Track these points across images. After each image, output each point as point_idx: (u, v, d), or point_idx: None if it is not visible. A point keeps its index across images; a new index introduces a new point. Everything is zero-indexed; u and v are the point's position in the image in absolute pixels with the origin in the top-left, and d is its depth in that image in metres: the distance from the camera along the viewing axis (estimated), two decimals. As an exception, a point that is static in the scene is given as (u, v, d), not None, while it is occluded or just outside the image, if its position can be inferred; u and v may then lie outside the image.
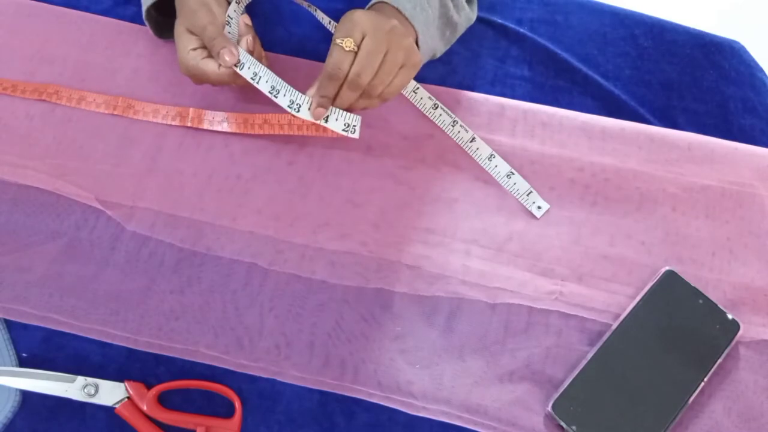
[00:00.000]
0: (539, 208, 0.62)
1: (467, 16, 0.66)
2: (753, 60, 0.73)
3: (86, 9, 0.71)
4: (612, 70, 0.71)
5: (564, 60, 0.71)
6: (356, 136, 0.55)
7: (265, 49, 0.63)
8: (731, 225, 0.61)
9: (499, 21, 0.73)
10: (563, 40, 0.73)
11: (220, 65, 0.56)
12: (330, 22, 0.66)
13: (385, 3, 0.58)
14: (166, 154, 0.64)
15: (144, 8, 0.63)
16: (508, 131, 0.65)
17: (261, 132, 0.61)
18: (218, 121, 0.63)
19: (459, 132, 0.64)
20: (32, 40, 0.69)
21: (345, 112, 0.54)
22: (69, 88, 0.66)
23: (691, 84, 0.71)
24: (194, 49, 0.56)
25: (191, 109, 0.64)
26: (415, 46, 0.55)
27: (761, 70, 0.73)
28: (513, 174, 0.63)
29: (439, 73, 0.68)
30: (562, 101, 0.69)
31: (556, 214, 0.62)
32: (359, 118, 0.55)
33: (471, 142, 0.64)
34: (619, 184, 0.63)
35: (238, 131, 0.63)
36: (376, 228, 0.60)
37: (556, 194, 0.63)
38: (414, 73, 0.57)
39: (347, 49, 0.51)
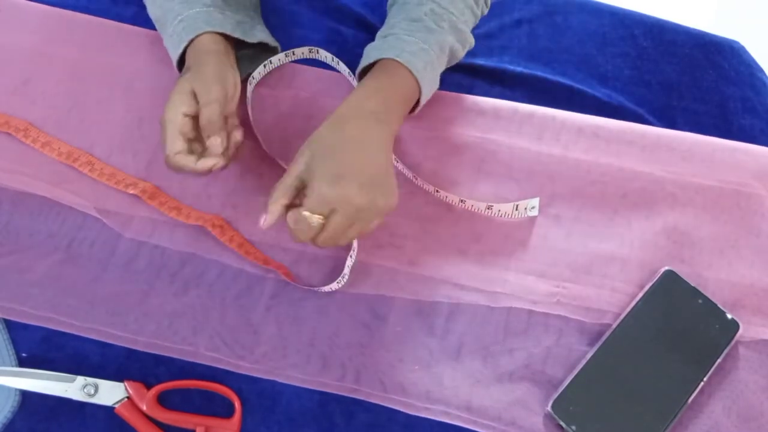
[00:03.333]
0: (532, 208, 0.61)
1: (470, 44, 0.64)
2: (753, 60, 0.73)
3: (86, 9, 0.71)
4: (611, 71, 0.71)
5: (564, 54, 0.71)
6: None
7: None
8: (731, 225, 0.61)
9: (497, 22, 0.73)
10: (563, 40, 0.73)
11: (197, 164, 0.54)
12: (349, 74, 0.67)
13: (395, 61, 0.57)
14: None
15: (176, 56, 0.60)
16: (507, 133, 0.65)
17: (194, 222, 0.59)
18: (170, 207, 0.60)
19: (423, 185, 0.62)
20: (32, 41, 0.69)
21: None
22: (38, 130, 0.63)
23: (690, 84, 0.71)
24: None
25: (149, 185, 0.61)
26: (383, 213, 0.52)
27: (761, 70, 0.73)
28: (492, 206, 0.61)
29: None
30: (561, 102, 0.68)
31: (556, 216, 0.62)
32: None
33: (436, 193, 0.62)
34: (619, 184, 0.63)
35: (177, 218, 0.60)
36: (373, 234, 0.60)
37: (555, 195, 0.63)
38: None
39: (314, 224, 0.49)
